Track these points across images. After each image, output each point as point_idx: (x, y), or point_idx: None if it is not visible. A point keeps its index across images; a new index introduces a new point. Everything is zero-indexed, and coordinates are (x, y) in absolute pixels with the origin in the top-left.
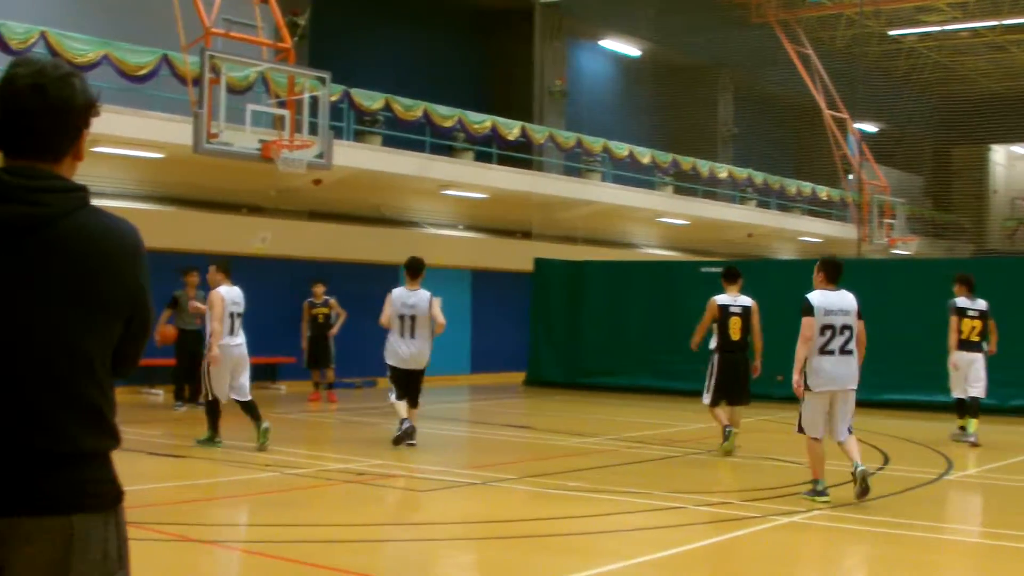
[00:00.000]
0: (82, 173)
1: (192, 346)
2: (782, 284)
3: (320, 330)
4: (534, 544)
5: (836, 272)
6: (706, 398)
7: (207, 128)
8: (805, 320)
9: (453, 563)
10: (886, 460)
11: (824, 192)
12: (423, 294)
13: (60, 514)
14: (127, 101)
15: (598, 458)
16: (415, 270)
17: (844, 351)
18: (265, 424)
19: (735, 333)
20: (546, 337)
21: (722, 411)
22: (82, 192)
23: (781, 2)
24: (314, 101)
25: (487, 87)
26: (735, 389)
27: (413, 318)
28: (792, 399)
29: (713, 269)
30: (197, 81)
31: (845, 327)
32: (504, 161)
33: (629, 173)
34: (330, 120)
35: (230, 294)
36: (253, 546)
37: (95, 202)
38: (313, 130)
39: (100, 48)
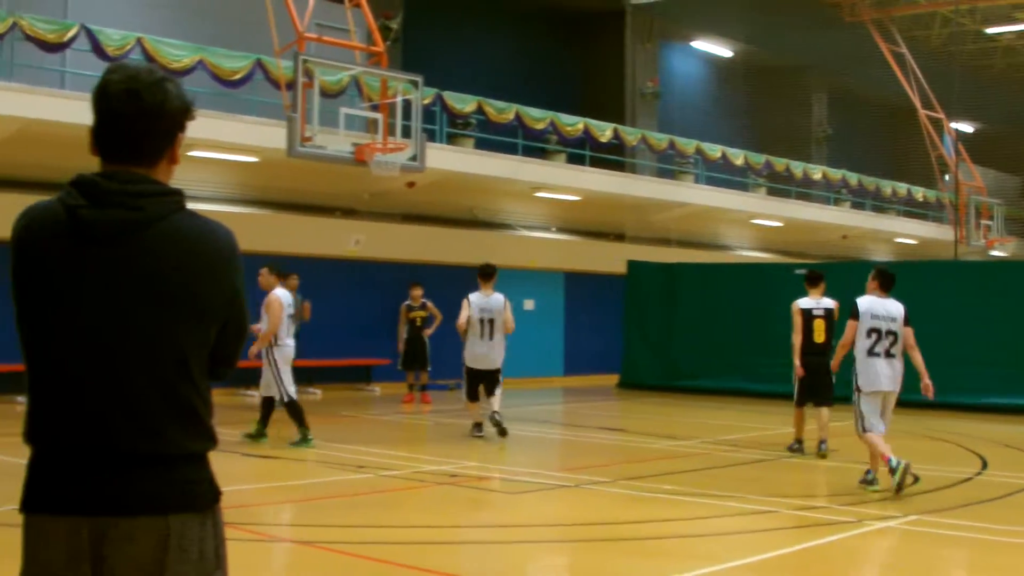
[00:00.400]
0: (178, 177)
1: None
2: None
3: (416, 332)
4: (627, 547)
5: (890, 281)
6: (797, 399)
7: (301, 132)
8: (850, 323)
9: (546, 566)
10: (984, 465)
11: (920, 193)
12: (498, 297)
13: (157, 514)
14: (222, 106)
15: (692, 461)
16: (488, 275)
17: (889, 355)
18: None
19: (819, 335)
20: (639, 339)
21: (801, 417)
22: (178, 196)
23: (875, 1)
24: (407, 104)
25: (579, 89)
26: (820, 391)
27: (491, 321)
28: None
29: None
30: (291, 85)
31: (890, 332)
32: (596, 163)
33: (722, 175)
34: (423, 123)
35: (286, 296)
36: (347, 547)
37: (191, 206)
38: (406, 133)
39: (195, 54)
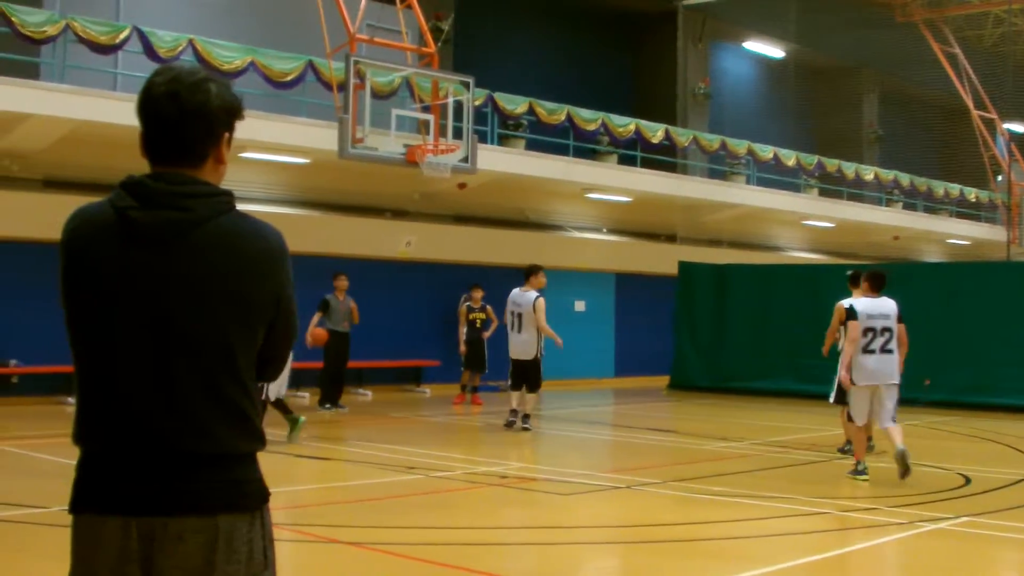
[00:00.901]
0: (229, 178)
1: (340, 348)
2: (929, 287)
3: (476, 334)
4: (678, 549)
5: (880, 282)
6: (832, 397)
7: (352, 133)
8: (851, 324)
9: (597, 567)
10: None
11: (972, 194)
12: (530, 295)
13: (206, 514)
14: (273, 107)
15: (743, 462)
16: (527, 274)
17: (884, 350)
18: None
19: None
20: (690, 341)
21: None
22: (227, 197)
23: (927, 1)
24: (458, 105)
25: (630, 90)
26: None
27: (520, 315)
28: (941, 404)
29: None
30: (342, 87)
31: (885, 329)
32: (648, 164)
33: (774, 175)
34: (474, 124)
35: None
36: (397, 548)
37: (242, 207)
38: (457, 134)
39: (246, 55)
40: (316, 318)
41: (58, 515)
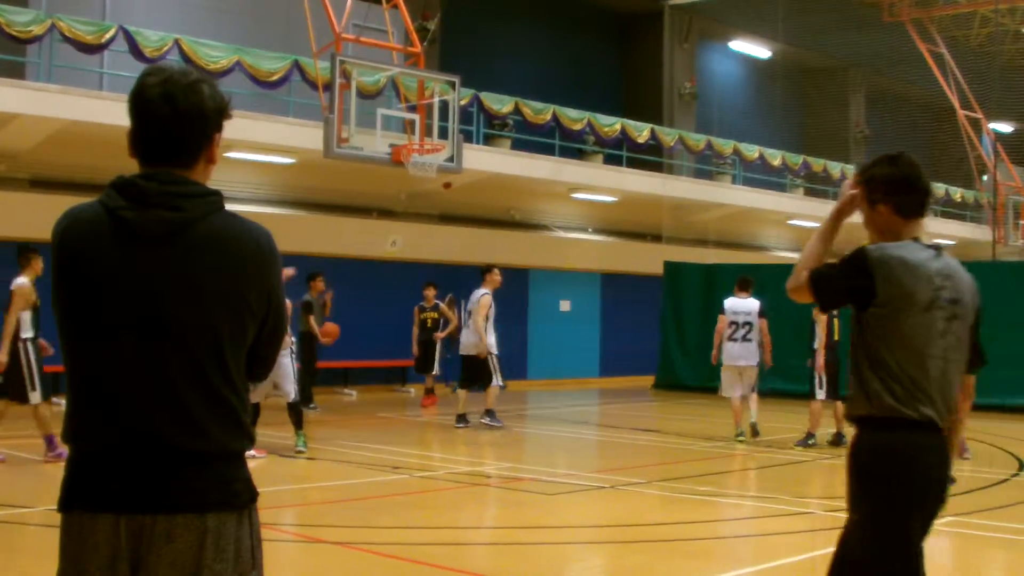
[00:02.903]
0: (215, 178)
1: (315, 348)
2: None
3: (427, 334)
4: (665, 548)
5: (747, 284)
6: (820, 394)
7: (338, 133)
8: (720, 317)
9: (583, 567)
10: (1021, 466)
11: (958, 193)
12: (477, 293)
13: (195, 512)
14: (259, 107)
15: (728, 462)
16: (482, 272)
17: (745, 339)
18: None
19: (836, 333)
20: (677, 340)
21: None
22: (217, 196)
23: (914, 1)
24: (444, 105)
25: (617, 90)
26: (837, 385)
27: (470, 312)
28: None
29: None
30: (328, 86)
31: (746, 323)
32: (634, 164)
33: (760, 175)
34: (460, 124)
35: None
36: (383, 548)
37: (228, 207)
38: (443, 134)
39: (233, 55)
40: (311, 320)
41: (46, 515)
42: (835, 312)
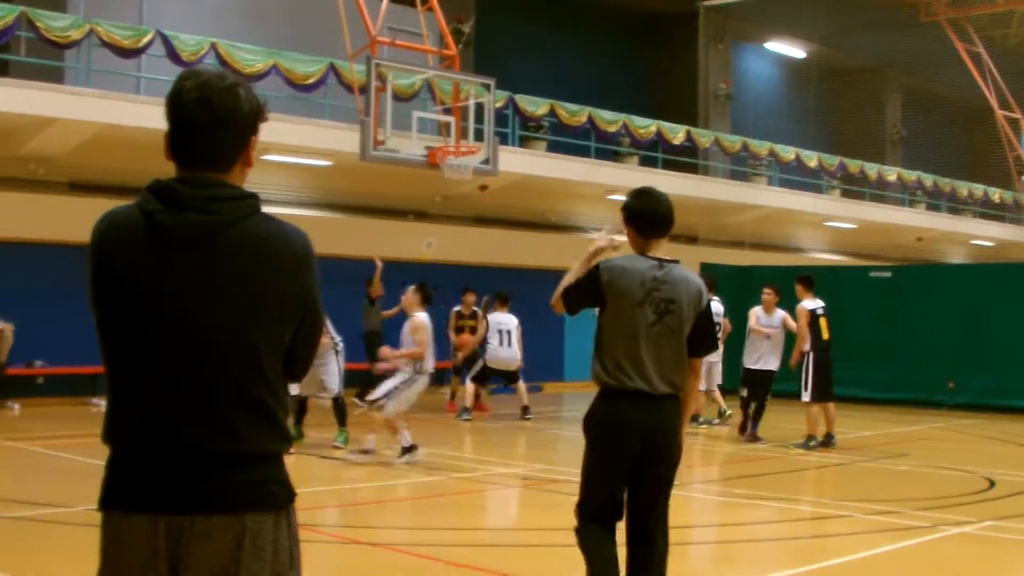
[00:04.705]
0: (251, 181)
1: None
2: (953, 289)
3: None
4: (698, 552)
5: (713, 289)
6: (805, 396)
7: (374, 135)
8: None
9: None
10: None
11: (996, 194)
12: (512, 320)
13: (233, 513)
14: (295, 110)
15: (764, 465)
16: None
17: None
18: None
19: (826, 332)
20: None
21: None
22: (253, 199)
23: (951, 0)
24: (479, 107)
25: (652, 91)
26: (830, 387)
27: (509, 332)
28: (966, 407)
29: (882, 274)
30: (364, 89)
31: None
32: (669, 165)
33: (796, 177)
34: (495, 126)
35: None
36: (418, 549)
37: (264, 209)
38: (479, 136)
39: (269, 58)
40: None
41: (85, 514)
42: (820, 313)
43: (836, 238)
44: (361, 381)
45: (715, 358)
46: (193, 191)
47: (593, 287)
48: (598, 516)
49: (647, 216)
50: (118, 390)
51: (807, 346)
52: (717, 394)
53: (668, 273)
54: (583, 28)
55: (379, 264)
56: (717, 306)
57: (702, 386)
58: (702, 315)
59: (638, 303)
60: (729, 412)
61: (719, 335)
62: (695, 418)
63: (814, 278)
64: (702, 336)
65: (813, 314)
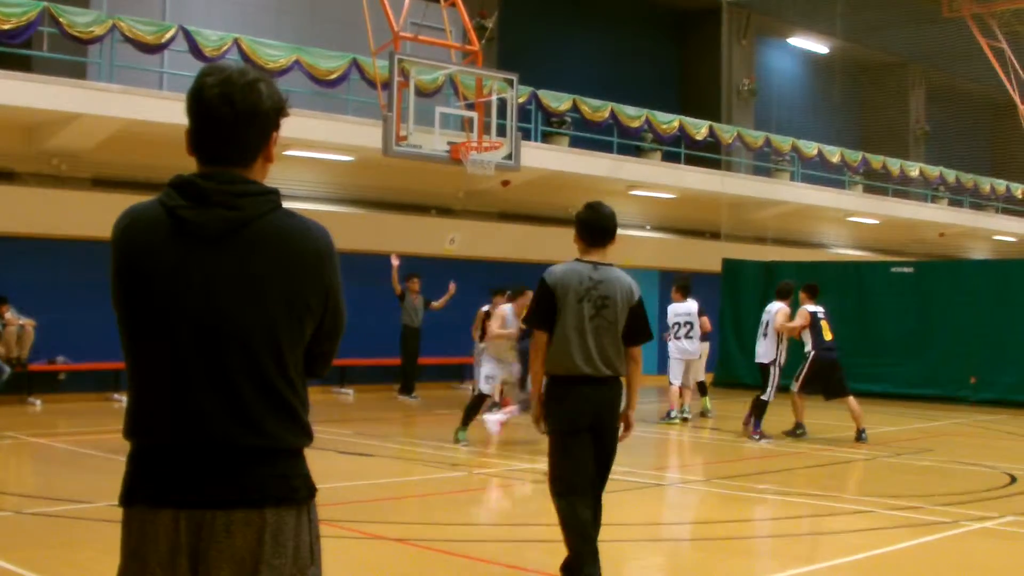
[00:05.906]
0: (274, 176)
1: (416, 342)
2: (975, 285)
3: None
4: (721, 547)
5: (686, 291)
6: (794, 386)
7: (396, 131)
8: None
9: (640, 565)
10: None
11: (1019, 190)
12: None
13: (254, 507)
14: (318, 105)
15: (786, 460)
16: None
17: (687, 336)
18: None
19: (827, 333)
20: (735, 338)
21: (801, 403)
22: (275, 195)
23: None
24: (502, 103)
25: (674, 87)
26: (830, 385)
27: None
28: (989, 403)
29: (905, 270)
30: (386, 85)
31: (687, 323)
32: (692, 161)
33: (818, 172)
34: (518, 121)
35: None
36: (441, 544)
37: (287, 205)
38: (501, 132)
39: (292, 53)
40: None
41: (107, 510)
42: (821, 316)
43: (859, 234)
44: (397, 376)
45: (695, 356)
46: (216, 186)
47: (547, 294)
48: (571, 488)
49: (591, 228)
50: (142, 386)
51: (807, 344)
52: (686, 392)
53: (603, 274)
54: (606, 23)
55: (395, 262)
56: (692, 305)
57: (676, 380)
58: (634, 309)
59: (578, 300)
60: (687, 415)
61: (697, 333)
62: (668, 414)
63: (818, 287)
64: (635, 327)
65: (814, 316)
